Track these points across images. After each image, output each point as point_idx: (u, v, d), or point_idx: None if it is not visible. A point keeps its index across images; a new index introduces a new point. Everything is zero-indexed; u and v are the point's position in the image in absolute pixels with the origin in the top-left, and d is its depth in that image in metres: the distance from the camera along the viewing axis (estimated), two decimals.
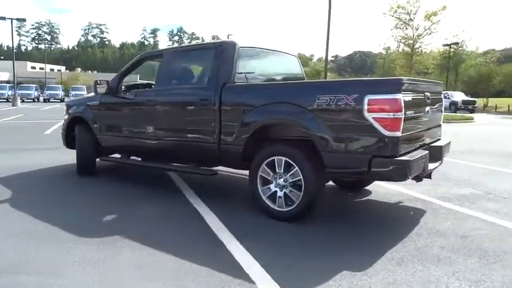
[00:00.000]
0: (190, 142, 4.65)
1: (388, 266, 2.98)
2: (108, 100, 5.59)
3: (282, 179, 3.95)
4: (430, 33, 23.71)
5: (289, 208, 3.90)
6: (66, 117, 6.30)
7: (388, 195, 5.06)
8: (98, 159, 5.95)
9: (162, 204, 4.56)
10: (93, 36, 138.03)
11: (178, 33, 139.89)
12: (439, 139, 4.65)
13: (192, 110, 4.64)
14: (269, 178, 4.03)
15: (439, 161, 4.23)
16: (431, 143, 4.31)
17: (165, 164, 5.13)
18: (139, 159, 5.72)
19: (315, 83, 4.46)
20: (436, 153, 4.22)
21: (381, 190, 5.27)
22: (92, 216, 4.10)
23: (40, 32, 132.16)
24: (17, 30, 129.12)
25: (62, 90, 42.28)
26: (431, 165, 4.02)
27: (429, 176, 4.13)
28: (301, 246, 3.39)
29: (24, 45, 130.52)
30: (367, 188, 5.31)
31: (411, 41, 24.28)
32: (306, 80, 5.04)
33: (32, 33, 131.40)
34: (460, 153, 8.79)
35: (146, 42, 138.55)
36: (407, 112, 3.45)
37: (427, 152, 3.79)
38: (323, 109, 3.64)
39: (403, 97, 3.38)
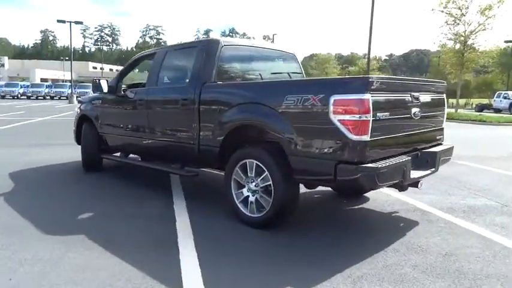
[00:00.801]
0: (174, 142, 4.58)
1: (338, 285, 2.69)
2: (108, 99, 5.68)
3: (253, 184, 3.75)
4: (485, 29, 21.84)
5: (260, 214, 3.70)
6: (77, 114, 6.50)
7: (386, 204, 4.66)
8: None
9: (144, 204, 4.52)
10: (150, 37, 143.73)
11: (230, 33, 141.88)
12: (439, 144, 4.19)
13: (175, 110, 4.57)
14: (242, 182, 3.85)
15: (432, 169, 3.80)
16: (425, 148, 3.89)
17: (152, 163, 5.10)
18: (140, 158, 5.77)
19: (283, 82, 4.17)
20: (429, 160, 3.80)
21: (382, 198, 4.88)
22: (70, 214, 4.13)
23: (102, 34, 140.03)
24: (82, 33, 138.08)
25: None
26: (418, 173, 3.63)
27: (416, 185, 3.72)
28: (258, 257, 3.18)
29: (88, 46, 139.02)
30: (367, 194, 4.94)
31: (462, 38, 22.54)
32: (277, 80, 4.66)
33: (95, 35, 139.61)
34: (495, 160, 8.02)
35: None
36: (378, 114, 3.11)
37: (409, 158, 3.40)
38: (290, 110, 3.39)
39: (373, 97, 3.05)
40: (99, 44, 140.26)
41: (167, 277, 2.76)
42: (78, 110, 6.46)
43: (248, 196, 3.80)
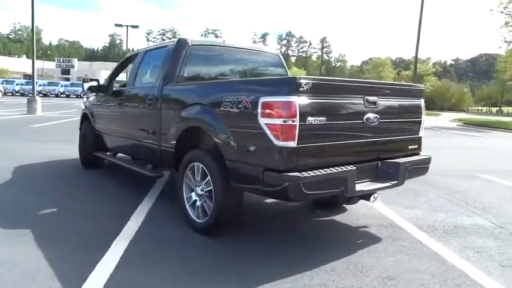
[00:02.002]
0: (144, 142, 4.57)
1: None
2: (100, 98, 5.83)
3: (199, 188, 3.62)
4: None
5: (203, 220, 3.56)
6: (81, 112, 6.75)
7: (362, 217, 4.29)
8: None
9: (114, 204, 4.53)
10: None
11: (287, 37, 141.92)
12: (414, 154, 3.78)
13: (143, 110, 4.55)
14: (191, 186, 3.74)
15: (394, 181, 3.43)
16: (389, 158, 3.52)
17: (128, 162, 5.14)
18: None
19: (222, 83, 3.95)
20: (391, 171, 3.44)
21: (361, 210, 4.50)
22: (31, 208, 4.23)
23: (164, 38, 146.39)
24: (146, 37, 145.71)
25: None
26: (371, 185, 3.29)
27: (367, 198, 3.37)
28: (192, 265, 3.03)
29: None
30: (348, 206, 4.60)
31: None
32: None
33: (157, 38, 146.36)
34: None
35: None
36: (310, 118, 2.84)
37: (353, 169, 3.07)
38: (227, 112, 3.22)
39: (302, 100, 2.79)
40: None
41: (74, 277, 2.71)
42: (83, 107, 6.70)
43: (196, 200, 3.68)
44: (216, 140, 3.33)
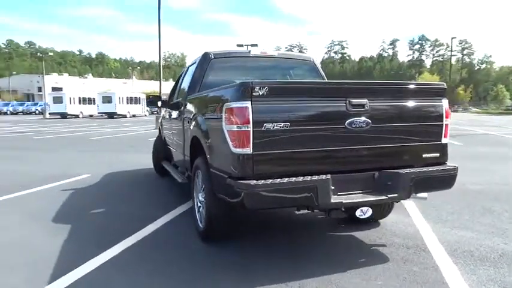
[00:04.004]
0: (178, 151, 4.88)
1: None
2: (163, 112, 6.43)
3: (201, 194, 3.72)
4: None
5: (202, 227, 3.64)
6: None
7: (390, 234, 3.80)
8: None
9: (152, 207, 4.94)
10: (335, 52, 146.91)
11: (420, 41, 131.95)
12: (435, 163, 3.21)
13: (176, 121, 4.87)
14: (197, 192, 3.86)
15: (393, 194, 2.97)
16: (391, 168, 3.07)
17: (172, 171, 5.49)
18: None
19: (207, 92, 3.81)
20: (388, 183, 3.00)
21: (395, 228, 4.01)
22: (89, 208, 4.92)
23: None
24: None
25: None
26: (360, 198, 2.92)
27: (352, 211, 2.97)
28: (160, 268, 3.17)
29: None
30: (385, 222, 4.15)
31: None
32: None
33: None
34: None
35: (385, 54, 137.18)
36: (268, 124, 2.69)
37: (326, 178, 2.77)
38: (209, 120, 3.26)
39: (258, 106, 2.68)
40: None
41: (62, 266, 3.07)
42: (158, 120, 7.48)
43: (200, 207, 3.79)
44: (204, 148, 3.40)
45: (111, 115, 37.50)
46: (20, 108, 53.05)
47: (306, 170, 2.84)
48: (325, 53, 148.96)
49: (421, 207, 4.81)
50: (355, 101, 2.91)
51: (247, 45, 37.44)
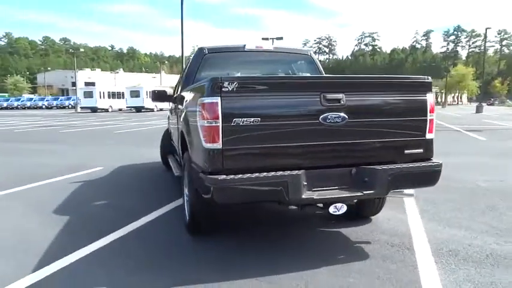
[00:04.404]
0: (175, 145, 4.96)
1: None
2: (169, 106, 6.53)
3: (187, 188, 3.78)
4: None
5: (187, 220, 3.70)
6: None
7: (377, 232, 3.73)
8: None
9: (150, 201, 5.06)
10: (365, 44, 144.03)
11: (455, 32, 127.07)
12: (418, 159, 3.12)
13: (173, 116, 4.95)
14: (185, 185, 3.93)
15: (369, 191, 2.92)
16: (369, 163, 3.00)
17: (172, 164, 5.57)
18: None
19: (190, 87, 3.80)
20: (365, 179, 2.95)
21: (387, 225, 3.94)
22: (92, 200, 5.10)
23: (320, 45, 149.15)
24: (303, 46, 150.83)
25: None
26: (333, 194, 2.89)
27: (326, 207, 2.93)
28: (133, 259, 3.26)
29: None
30: (377, 219, 4.08)
31: None
32: None
33: (314, 47, 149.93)
34: None
35: (418, 46, 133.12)
36: (237, 120, 2.70)
37: (297, 173, 2.76)
38: (189, 114, 3.30)
39: (227, 101, 2.69)
40: (317, 55, 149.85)
41: (48, 253, 3.22)
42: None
43: (187, 200, 3.84)
44: (186, 142, 3.45)
45: (138, 109, 38.34)
46: (54, 103, 55.15)
47: (278, 165, 2.83)
48: (355, 45, 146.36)
49: (421, 204, 4.69)
50: (330, 95, 2.86)
51: (273, 39, 37.32)
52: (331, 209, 2.92)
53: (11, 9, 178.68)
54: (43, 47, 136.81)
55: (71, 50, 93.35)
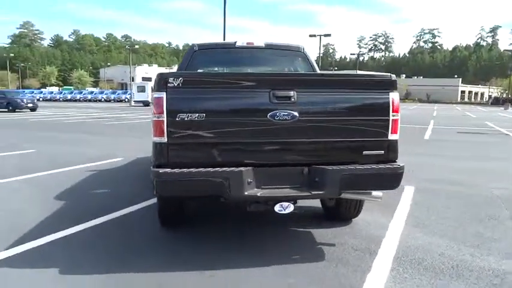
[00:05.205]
0: None
1: None
2: None
3: None
4: None
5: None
6: None
7: (350, 235, 3.62)
8: None
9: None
10: (425, 42, 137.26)
11: None
12: (379, 161, 2.98)
13: None
14: None
15: (318, 191, 2.85)
16: (324, 163, 2.91)
17: None
18: None
19: None
20: (316, 179, 2.88)
21: (366, 230, 3.80)
22: (91, 188, 5.40)
23: (376, 43, 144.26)
24: (358, 44, 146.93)
25: None
26: (278, 193, 2.86)
27: (272, 206, 2.88)
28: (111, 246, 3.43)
29: (362, 55, 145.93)
30: (357, 221, 3.97)
31: None
32: None
33: (369, 44, 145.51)
34: None
35: (483, 43, 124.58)
36: (181, 115, 2.74)
37: (240, 170, 2.74)
38: None
39: (172, 96, 2.74)
40: (372, 52, 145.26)
41: (33, 231, 3.49)
42: None
43: None
44: None
45: (146, 103, 38.39)
46: (112, 96, 58.23)
47: (224, 161, 2.84)
48: (414, 42, 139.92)
49: (414, 209, 4.47)
50: (280, 93, 2.82)
51: (320, 35, 36.81)
52: (277, 208, 2.88)
53: (79, 7, 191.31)
54: (106, 43, 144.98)
55: (126, 46, 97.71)
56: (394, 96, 2.98)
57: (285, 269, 2.91)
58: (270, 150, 2.91)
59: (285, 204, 2.89)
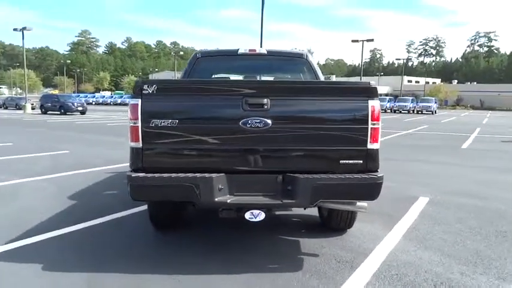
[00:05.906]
0: None
1: None
2: None
3: None
4: None
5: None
6: None
7: (338, 247, 3.52)
8: None
9: None
10: (480, 45, 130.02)
11: None
12: (358, 171, 2.86)
13: None
14: None
15: (290, 200, 2.79)
16: (297, 172, 2.85)
17: None
18: None
19: None
20: (289, 188, 2.83)
21: (359, 242, 3.69)
22: (94, 190, 5.63)
23: (426, 47, 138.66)
24: (406, 48, 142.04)
25: (435, 103, 41.34)
26: (248, 200, 2.84)
27: (241, 212, 2.84)
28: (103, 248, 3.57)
29: (411, 60, 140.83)
30: (353, 232, 3.86)
31: None
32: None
33: (419, 49, 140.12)
34: None
35: None
36: (155, 121, 2.80)
37: (210, 176, 2.75)
38: None
39: (146, 102, 2.81)
40: (422, 57, 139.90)
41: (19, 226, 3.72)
42: None
43: None
44: None
45: None
46: None
47: (197, 167, 2.86)
48: (468, 46, 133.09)
49: (419, 221, 4.27)
50: (252, 100, 2.81)
51: (363, 41, 36.02)
52: (247, 216, 2.86)
53: (132, 16, 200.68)
54: (156, 50, 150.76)
55: (172, 53, 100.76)
56: (374, 104, 2.87)
57: (257, 278, 2.88)
58: (243, 157, 2.90)
59: (256, 212, 2.86)
